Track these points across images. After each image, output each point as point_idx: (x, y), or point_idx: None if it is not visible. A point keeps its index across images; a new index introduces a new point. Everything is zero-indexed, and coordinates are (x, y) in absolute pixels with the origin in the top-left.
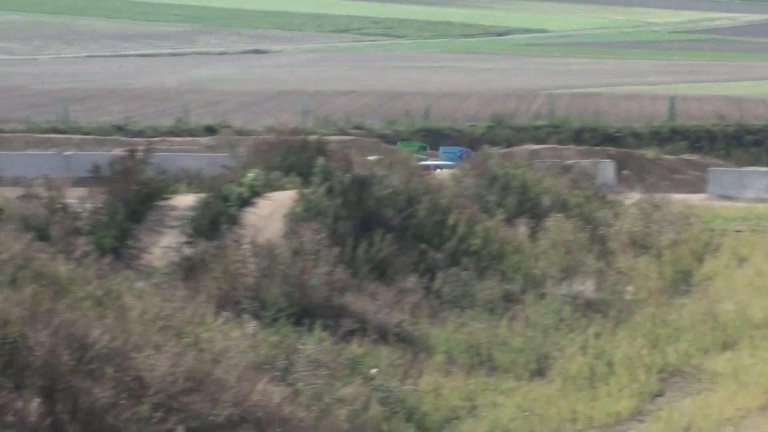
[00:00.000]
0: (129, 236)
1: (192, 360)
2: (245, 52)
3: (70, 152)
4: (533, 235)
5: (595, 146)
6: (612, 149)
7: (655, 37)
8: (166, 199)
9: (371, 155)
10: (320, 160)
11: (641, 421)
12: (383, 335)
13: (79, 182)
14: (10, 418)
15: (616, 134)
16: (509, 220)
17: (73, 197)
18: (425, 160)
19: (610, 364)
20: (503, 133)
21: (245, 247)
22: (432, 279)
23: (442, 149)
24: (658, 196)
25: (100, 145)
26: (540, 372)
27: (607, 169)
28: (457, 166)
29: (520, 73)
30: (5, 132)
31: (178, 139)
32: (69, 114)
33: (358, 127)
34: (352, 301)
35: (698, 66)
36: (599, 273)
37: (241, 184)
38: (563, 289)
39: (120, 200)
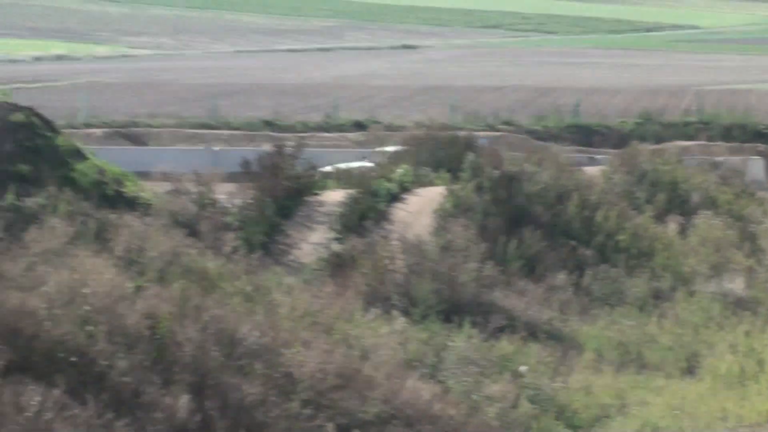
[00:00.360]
0: (278, 232)
1: (341, 356)
2: (394, 48)
3: (219, 147)
4: (682, 232)
5: (744, 143)
6: (761, 146)
7: None
8: (315, 194)
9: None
10: (469, 156)
11: None
12: (532, 332)
13: (228, 178)
14: (159, 415)
15: (766, 131)
16: (658, 217)
17: (222, 193)
18: None
19: (760, 362)
20: (652, 129)
21: (394, 243)
22: (581, 276)
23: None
24: None
25: (249, 141)
26: (689, 370)
27: (756, 166)
28: None
29: (670, 69)
30: (154, 127)
31: (328, 134)
32: (218, 109)
33: (507, 123)
34: (501, 297)
35: None
36: (749, 270)
37: (390, 180)
38: (713, 286)
39: (269, 196)
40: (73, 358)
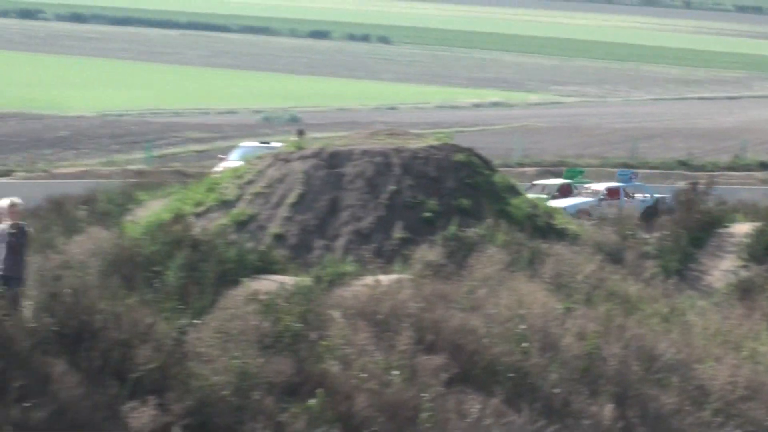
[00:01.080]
0: (691, 260)
1: (749, 371)
2: None
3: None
4: None
5: None
6: None
7: None
8: (725, 227)
9: None
10: None
11: None
12: None
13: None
14: (586, 422)
15: None
16: None
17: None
18: (588, 182)
19: None
20: None
21: None
22: None
23: (618, 172)
24: None
25: (664, 179)
26: None
27: None
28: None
29: None
30: (581, 166)
31: (735, 173)
32: (637, 150)
33: None
34: None
35: None
36: None
37: None
38: None
39: (683, 228)
40: (510, 373)
